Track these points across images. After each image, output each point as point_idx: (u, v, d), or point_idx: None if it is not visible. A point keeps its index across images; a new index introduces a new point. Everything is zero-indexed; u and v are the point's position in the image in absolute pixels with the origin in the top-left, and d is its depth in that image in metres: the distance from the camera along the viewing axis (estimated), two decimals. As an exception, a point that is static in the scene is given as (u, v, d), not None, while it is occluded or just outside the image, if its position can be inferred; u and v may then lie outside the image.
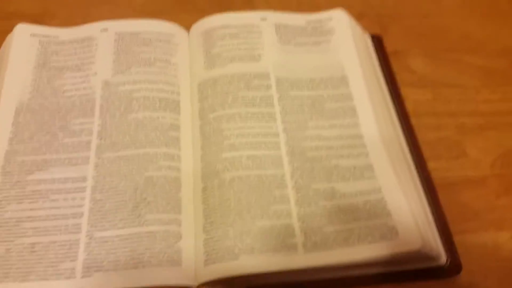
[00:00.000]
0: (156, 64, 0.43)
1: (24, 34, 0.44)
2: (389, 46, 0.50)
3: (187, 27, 0.47)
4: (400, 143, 0.42)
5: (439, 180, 0.42)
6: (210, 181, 0.37)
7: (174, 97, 0.41)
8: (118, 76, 0.42)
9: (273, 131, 0.39)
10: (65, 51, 0.44)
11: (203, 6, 0.53)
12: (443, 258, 0.36)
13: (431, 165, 0.43)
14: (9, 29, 0.45)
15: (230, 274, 0.33)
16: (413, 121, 0.45)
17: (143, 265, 0.33)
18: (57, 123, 0.39)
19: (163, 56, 0.44)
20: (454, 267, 0.36)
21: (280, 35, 0.46)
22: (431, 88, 0.49)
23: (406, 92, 0.48)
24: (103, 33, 0.45)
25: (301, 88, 0.43)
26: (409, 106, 0.46)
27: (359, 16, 0.53)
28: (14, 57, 0.42)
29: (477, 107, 0.48)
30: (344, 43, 0.46)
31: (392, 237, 0.34)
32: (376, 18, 0.54)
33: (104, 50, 0.44)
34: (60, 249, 0.33)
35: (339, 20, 0.47)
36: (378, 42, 0.50)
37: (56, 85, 0.42)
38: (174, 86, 0.42)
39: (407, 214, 0.35)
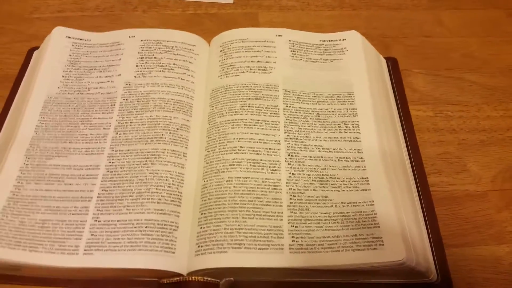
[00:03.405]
0: (175, 70, 0.46)
1: (60, 35, 0.48)
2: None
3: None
4: (403, 159, 0.43)
5: (440, 194, 0.42)
6: (209, 179, 0.39)
7: (188, 100, 0.45)
8: (139, 78, 0.45)
9: (275, 139, 0.42)
10: (95, 53, 0.48)
11: (211, 29, 0.56)
12: (433, 274, 0.37)
13: (433, 180, 0.43)
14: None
15: (217, 266, 0.35)
16: (415, 137, 0.46)
17: (140, 249, 0.35)
18: (79, 116, 0.43)
19: (183, 63, 0.47)
20: (444, 284, 0.37)
21: (293, 51, 0.48)
22: (433, 105, 0.50)
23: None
24: (131, 39, 0.49)
25: (307, 101, 0.45)
26: (410, 122, 0.47)
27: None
28: (49, 55, 0.47)
29: (478, 123, 0.48)
30: (355, 63, 0.47)
31: (377, 247, 0.35)
32: (380, 38, 0.56)
33: (129, 54, 0.47)
34: (68, 228, 0.36)
35: (353, 41, 0.49)
36: (393, 64, 0.51)
37: (83, 82, 0.46)
38: (189, 91, 0.45)
39: (396, 227, 0.36)
